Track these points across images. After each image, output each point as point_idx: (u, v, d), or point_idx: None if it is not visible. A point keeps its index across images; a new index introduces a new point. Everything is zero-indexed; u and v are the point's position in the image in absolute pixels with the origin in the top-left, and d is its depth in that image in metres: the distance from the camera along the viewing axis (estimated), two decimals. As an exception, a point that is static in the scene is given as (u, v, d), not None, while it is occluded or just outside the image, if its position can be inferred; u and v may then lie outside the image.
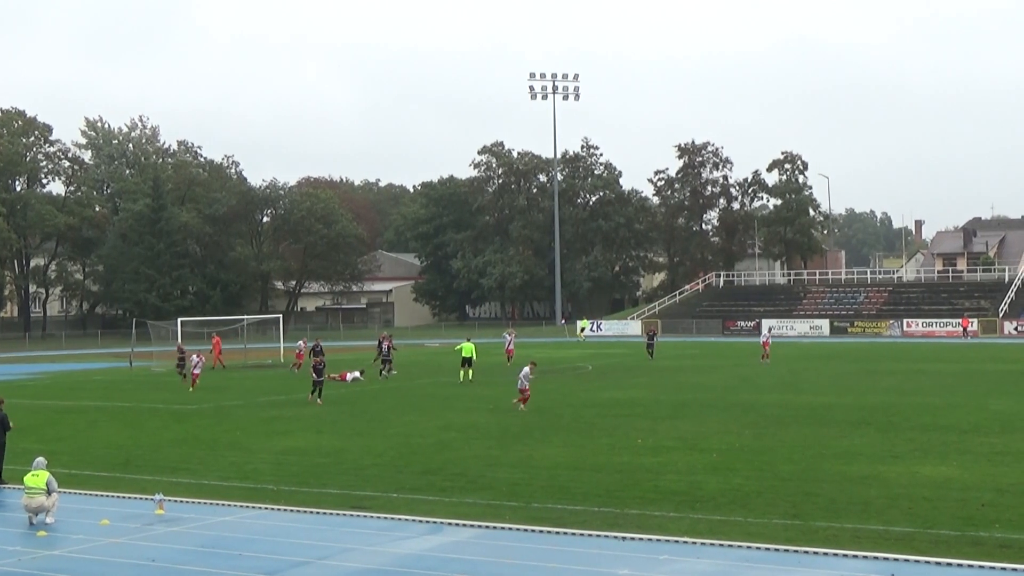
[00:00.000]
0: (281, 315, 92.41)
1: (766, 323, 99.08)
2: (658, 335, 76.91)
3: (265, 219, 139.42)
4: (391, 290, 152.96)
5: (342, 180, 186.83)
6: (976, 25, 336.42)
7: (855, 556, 18.20)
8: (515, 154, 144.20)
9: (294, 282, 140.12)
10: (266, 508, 23.10)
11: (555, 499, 23.23)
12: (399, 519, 21.76)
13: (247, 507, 23.17)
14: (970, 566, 17.58)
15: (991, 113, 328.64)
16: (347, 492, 24.58)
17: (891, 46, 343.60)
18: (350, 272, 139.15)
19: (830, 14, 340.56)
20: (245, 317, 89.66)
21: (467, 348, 53.84)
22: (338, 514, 22.36)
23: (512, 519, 21.47)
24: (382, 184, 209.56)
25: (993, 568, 17.47)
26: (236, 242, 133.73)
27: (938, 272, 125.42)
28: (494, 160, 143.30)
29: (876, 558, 18.05)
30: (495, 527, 20.91)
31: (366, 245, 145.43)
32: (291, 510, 22.90)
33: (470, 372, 52.65)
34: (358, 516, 22.19)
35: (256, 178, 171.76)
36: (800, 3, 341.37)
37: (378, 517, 21.99)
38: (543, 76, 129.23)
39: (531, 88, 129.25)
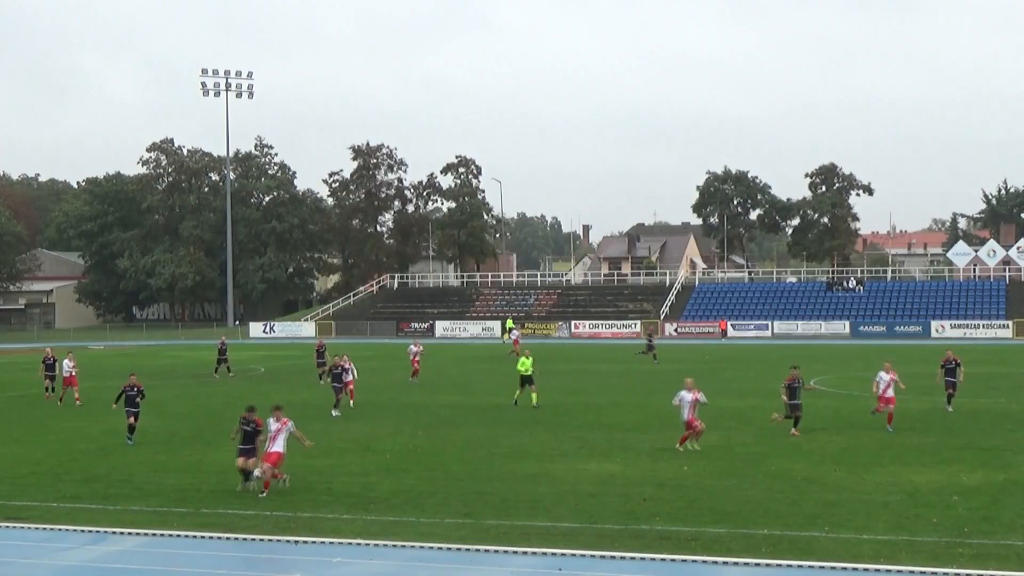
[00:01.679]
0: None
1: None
2: (656, 336, 74.44)
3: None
4: (52, 290, 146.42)
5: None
6: (663, 60, 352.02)
7: (524, 553, 18.58)
8: (185, 152, 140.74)
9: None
10: (-89, 522, 21.62)
11: (225, 504, 22.73)
12: (59, 529, 20.81)
13: None
14: (632, 558, 18.26)
15: (657, 133, 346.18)
16: (1, 503, 23.31)
17: (570, 68, 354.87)
18: (7, 271, 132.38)
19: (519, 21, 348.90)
20: None
21: (526, 364, 41.27)
22: (-8, 526, 21.18)
23: (181, 526, 20.89)
24: (42, 179, 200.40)
25: (654, 559, 18.19)
26: None
27: (604, 275, 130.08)
28: (164, 157, 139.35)
29: (544, 554, 18.48)
30: (162, 535, 20.30)
31: (25, 243, 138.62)
32: (-61, 523, 21.53)
33: (533, 395, 40.52)
34: (14, 528, 21.09)
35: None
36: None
37: (36, 528, 20.97)
38: (215, 73, 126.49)
39: (203, 85, 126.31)
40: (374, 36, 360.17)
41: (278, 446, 24.11)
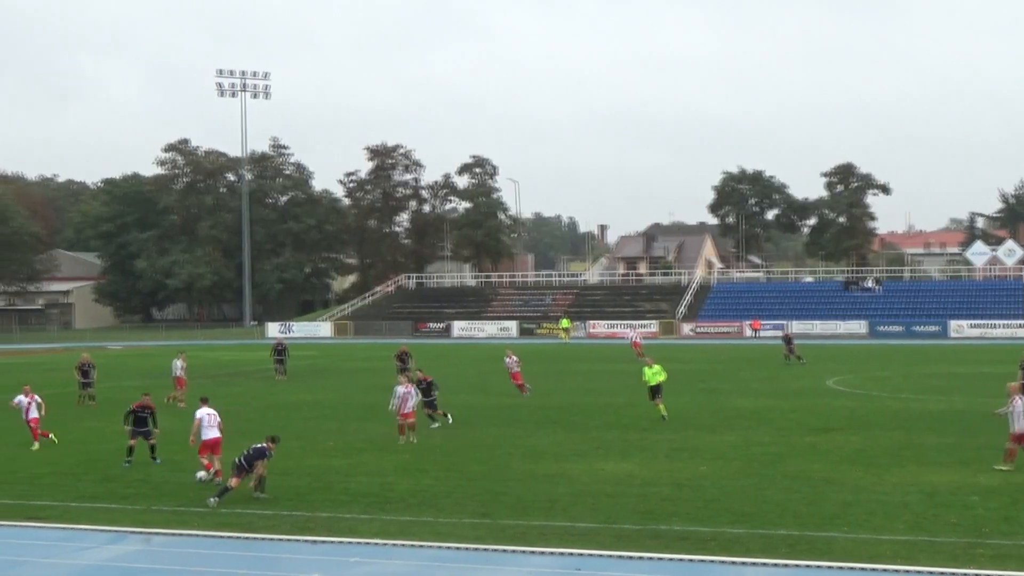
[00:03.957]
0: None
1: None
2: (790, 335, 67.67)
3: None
4: (70, 291, 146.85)
5: (15, 175, 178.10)
6: (667, 60, 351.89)
7: (542, 553, 18.58)
8: (202, 152, 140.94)
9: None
10: (-69, 522, 21.73)
11: (243, 504, 22.78)
12: (79, 529, 20.89)
13: (-91, 521, 21.73)
14: (651, 558, 18.24)
15: (670, 132, 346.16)
16: (21, 503, 23.41)
17: (586, 69, 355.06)
18: (26, 272, 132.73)
19: (518, 24, 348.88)
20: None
21: (652, 373, 37.11)
22: (11, 526, 21.28)
23: (199, 526, 20.96)
24: (60, 180, 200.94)
25: (672, 559, 18.18)
26: None
27: (621, 275, 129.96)
28: (180, 158, 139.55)
29: (563, 554, 18.48)
30: (181, 534, 20.37)
31: (43, 244, 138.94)
32: (-41, 523, 21.63)
33: (661, 406, 36.72)
34: (34, 527, 21.18)
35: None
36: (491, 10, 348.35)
37: (56, 528, 21.04)
38: (232, 73, 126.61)
39: (219, 85, 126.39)
40: (378, 40, 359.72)
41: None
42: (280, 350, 57.21)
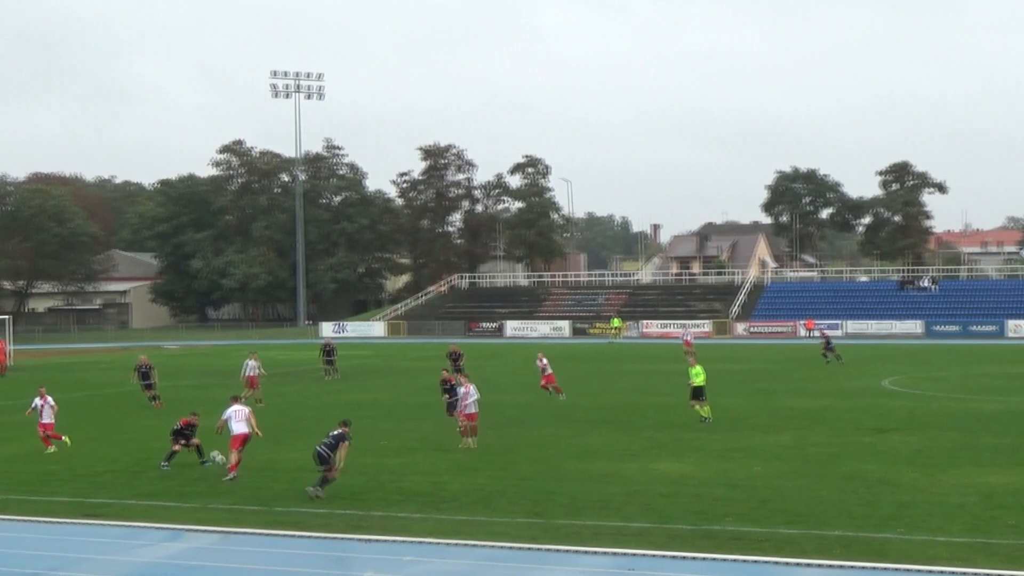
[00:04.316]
0: (10, 316, 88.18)
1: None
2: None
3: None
4: (127, 290, 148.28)
5: (73, 176, 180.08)
6: (716, 58, 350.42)
7: (596, 552, 18.58)
8: (256, 153, 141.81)
9: (23, 282, 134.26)
10: (-8, 518, 22.03)
11: (297, 503, 22.93)
12: (136, 526, 21.11)
13: (-29, 518, 22.04)
14: (704, 559, 18.20)
15: (721, 131, 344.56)
16: (80, 500, 23.69)
17: (625, 64, 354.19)
18: (84, 272, 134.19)
19: (569, 24, 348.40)
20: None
21: (695, 374, 36.80)
22: (71, 523, 21.54)
23: (254, 524, 21.11)
24: (117, 181, 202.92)
25: (725, 560, 18.12)
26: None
27: (674, 275, 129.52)
28: (235, 159, 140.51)
29: (616, 554, 18.48)
30: (237, 532, 20.52)
31: (101, 244, 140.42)
32: (19, 519, 21.92)
33: (706, 407, 36.31)
34: (92, 524, 21.42)
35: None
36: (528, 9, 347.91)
37: (114, 525, 21.29)
38: (285, 74, 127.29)
39: (273, 86, 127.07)
40: (430, 41, 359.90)
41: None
42: (329, 351, 57.54)
